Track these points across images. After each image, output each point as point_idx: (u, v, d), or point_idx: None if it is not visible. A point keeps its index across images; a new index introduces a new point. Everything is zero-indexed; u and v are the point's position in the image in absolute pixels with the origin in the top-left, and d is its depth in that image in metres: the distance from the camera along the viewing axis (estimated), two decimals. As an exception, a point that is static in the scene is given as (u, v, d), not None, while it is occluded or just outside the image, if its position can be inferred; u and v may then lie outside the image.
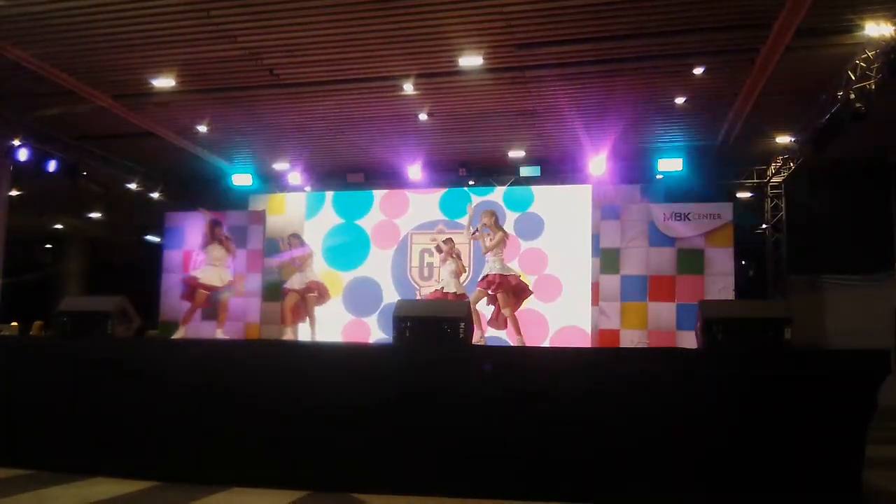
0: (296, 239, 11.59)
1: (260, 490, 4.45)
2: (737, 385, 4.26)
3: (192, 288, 10.67)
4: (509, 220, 12.79)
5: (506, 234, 9.68)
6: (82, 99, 10.20)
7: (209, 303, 10.87)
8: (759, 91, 9.36)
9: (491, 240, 9.45)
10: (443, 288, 9.88)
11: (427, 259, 12.92)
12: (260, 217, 13.20)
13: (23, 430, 4.98)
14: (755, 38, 8.17)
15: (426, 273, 12.85)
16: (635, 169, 12.65)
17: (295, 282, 11.37)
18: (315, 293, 11.42)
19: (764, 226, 13.19)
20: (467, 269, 10.94)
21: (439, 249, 10.27)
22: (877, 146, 10.52)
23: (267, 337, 12.36)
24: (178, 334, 10.85)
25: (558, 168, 12.85)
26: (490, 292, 9.47)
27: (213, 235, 10.69)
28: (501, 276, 9.37)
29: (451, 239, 10.36)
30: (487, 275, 9.43)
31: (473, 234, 9.83)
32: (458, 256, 10.13)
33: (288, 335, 11.24)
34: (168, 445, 4.73)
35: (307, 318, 11.53)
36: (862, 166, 11.28)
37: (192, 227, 13.39)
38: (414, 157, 12.67)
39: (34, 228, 17.13)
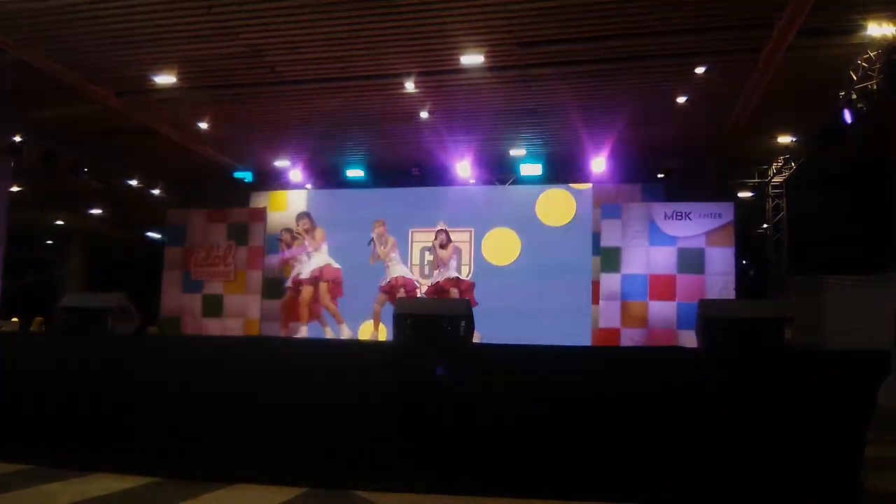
0: (305, 219, 11.25)
1: (260, 487, 4.45)
2: (737, 385, 4.26)
3: (295, 289, 10.52)
4: (510, 218, 12.80)
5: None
6: (85, 96, 10.21)
7: (317, 296, 10.65)
8: (760, 91, 9.35)
9: (384, 247, 11.27)
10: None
11: (427, 257, 12.92)
12: (261, 214, 13.22)
13: (23, 425, 4.99)
14: (757, 38, 8.16)
15: (426, 271, 12.85)
16: (636, 168, 12.64)
17: (304, 270, 10.95)
18: (327, 281, 11.03)
19: (765, 225, 13.19)
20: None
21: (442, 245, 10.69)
22: (878, 147, 10.50)
23: (267, 334, 12.38)
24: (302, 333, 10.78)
25: (559, 167, 12.85)
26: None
27: (306, 232, 10.78)
28: (405, 278, 11.14)
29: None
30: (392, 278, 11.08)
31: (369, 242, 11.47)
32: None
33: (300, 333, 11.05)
34: (168, 442, 4.73)
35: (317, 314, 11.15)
36: (863, 167, 11.27)
37: (194, 224, 13.43)
38: (415, 155, 12.66)
39: (36, 225, 17.14)
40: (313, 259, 10.94)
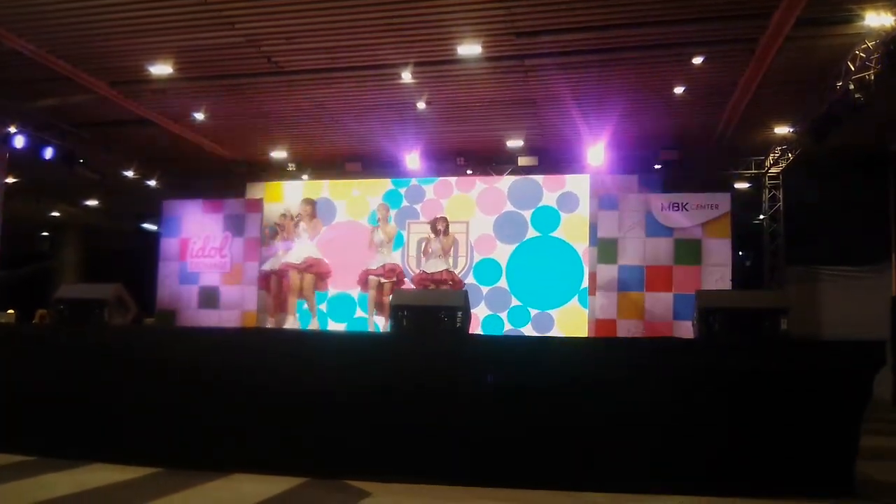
0: (309, 205, 10.78)
1: (259, 476, 4.47)
2: (733, 375, 4.28)
3: (279, 277, 10.37)
4: (508, 208, 12.79)
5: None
6: (79, 86, 10.15)
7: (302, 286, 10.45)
8: (758, 81, 9.34)
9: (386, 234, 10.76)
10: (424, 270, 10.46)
11: (421, 246, 12.90)
12: (257, 205, 13.19)
13: (22, 417, 4.99)
14: (755, 27, 8.14)
15: (421, 261, 12.83)
16: (633, 159, 12.63)
17: (292, 255, 10.65)
18: (315, 270, 10.73)
19: (762, 216, 13.20)
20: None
21: (436, 231, 10.39)
22: (876, 137, 10.51)
23: (264, 325, 12.38)
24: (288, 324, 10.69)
25: (556, 157, 12.83)
26: (384, 280, 10.09)
27: (310, 217, 10.56)
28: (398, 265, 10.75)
29: (444, 218, 10.56)
30: (385, 264, 10.56)
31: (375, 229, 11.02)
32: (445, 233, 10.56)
33: (287, 323, 10.93)
34: (167, 432, 4.74)
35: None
36: (860, 157, 11.27)
37: (190, 215, 13.40)
38: (412, 146, 12.63)
39: (31, 216, 17.08)
40: (299, 248, 10.55)
